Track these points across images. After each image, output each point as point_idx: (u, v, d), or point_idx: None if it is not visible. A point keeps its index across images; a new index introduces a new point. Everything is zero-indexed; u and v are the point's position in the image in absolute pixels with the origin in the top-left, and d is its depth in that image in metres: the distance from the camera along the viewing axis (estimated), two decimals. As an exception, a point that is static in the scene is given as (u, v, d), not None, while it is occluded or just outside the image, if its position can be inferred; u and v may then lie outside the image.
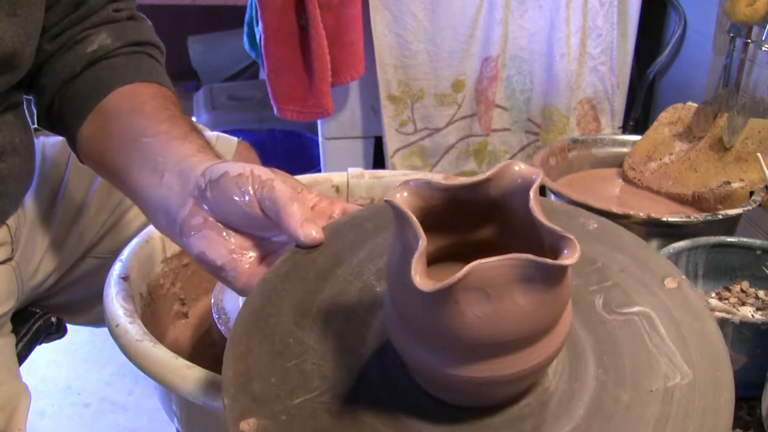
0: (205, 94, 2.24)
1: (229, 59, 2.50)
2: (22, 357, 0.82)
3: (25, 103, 0.78)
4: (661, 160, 1.24)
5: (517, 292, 0.38)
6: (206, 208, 0.57)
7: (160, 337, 0.78)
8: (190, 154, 0.62)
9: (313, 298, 0.49)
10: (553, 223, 0.40)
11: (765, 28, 1.23)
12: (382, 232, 0.54)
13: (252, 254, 0.57)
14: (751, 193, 1.08)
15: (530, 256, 0.37)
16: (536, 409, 0.44)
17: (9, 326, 0.81)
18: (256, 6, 1.47)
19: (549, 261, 0.37)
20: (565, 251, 0.38)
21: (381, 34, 1.53)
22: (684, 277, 0.51)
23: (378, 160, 1.72)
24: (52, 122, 0.76)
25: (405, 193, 0.42)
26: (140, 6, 0.82)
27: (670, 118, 1.27)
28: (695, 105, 1.24)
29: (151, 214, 0.63)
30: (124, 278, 0.73)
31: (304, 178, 0.95)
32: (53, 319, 0.87)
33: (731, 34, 1.33)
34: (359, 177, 0.95)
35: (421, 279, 0.38)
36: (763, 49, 1.23)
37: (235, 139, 1.06)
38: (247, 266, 0.56)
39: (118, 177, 0.67)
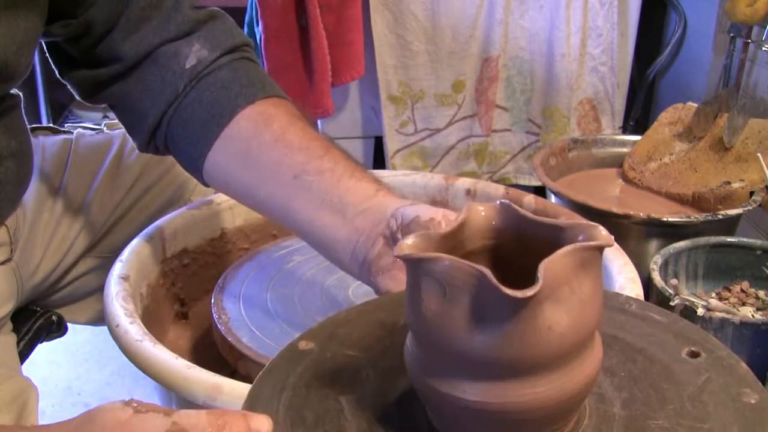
0: (205, 95, 2.24)
1: (229, 59, 2.49)
2: (23, 356, 0.82)
3: (22, 103, 0.77)
4: (661, 160, 1.24)
5: (583, 282, 0.37)
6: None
7: (160, 337, 0.78)
8: (372, 194, 0.65)
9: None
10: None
11: (765, 28, 1.22)
12: None
13: None
14: (751, 193, 1.08)
15: (583, 243, 0.37)
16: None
17: (10, 325, 0.81)
18: (256, 6, 1.47)
19: (599, 243, 0.36)
20: (594, 234, 0.37)
21: (381, 35, 1.53)
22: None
23: (378, 161, 1.72)
24: (158, 145, 0.75)
25: (411, 243, 0.39)
26: None
27: (670, 118, 1.27)
28: (695, 105, 1.24)
29: (331, 251, 0.66)
30: (124, 278, 0.73)
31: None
32: (54, 318, 0.87)
33: (731, 34, 1.33)
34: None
35: (513, 291, 0.35)
36: (763, 49, 1.23)
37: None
38: None
39: (273, 212, 0.70)
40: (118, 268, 0.74)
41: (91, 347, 1.69)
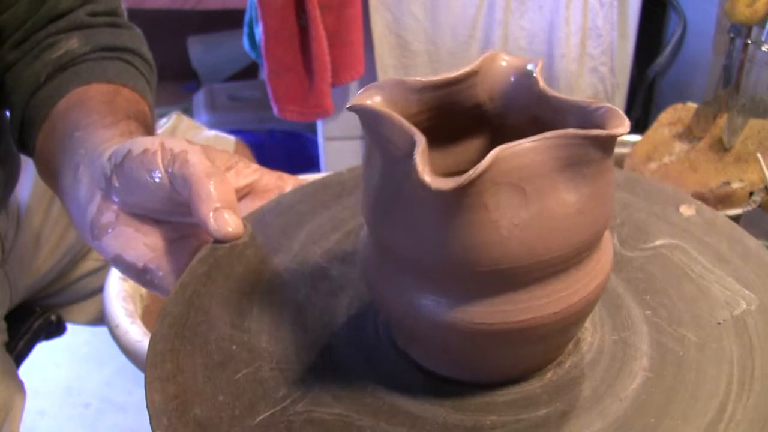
0: (205, 94, 2.24)
1: (229, 59, 2.49)
2: (22, 356, 0.82)
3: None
4: (661, 160, 1.24)
5: (562, 186, 0.29)
6: (115, 199, 0.48)
7: (160, 337, 0.78)
8: (106, 140, 0.50)
9: (249, 294, 0.40)
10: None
11: (765, 28, 1.22)
12: (322, 212, 0.46)
13: (180, 248, 0.47)
14: (751, 194, 1.08)
15: (573, 130, 0.28)
16: (587, 369, 0.35)
17: (3, 324, 0.80)
18: (256, 6, 1.47)
19: (599, 131, 0.28)
20: (611, 121, 0.29)
21: (381, 35, 1.53)
22: (700, 202, 0.44)
23: (378, 161, 1.72)
24: (24, 143, 0.65)
25: (377, 98, 0.32)
26: (142, 10, 0.80)
27: (670, 118, 1.27)
28: (695, 105, 1.24)
29: (72, 217, 0.53)
30: (124, 278, 0.73)
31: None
32: (53, 318, 0.87)
33: (731, 35, 1.33)
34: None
35: (432, 177, 0.28)
36: (763, 49, 1.23)
37: (232, 138, 1.07)
38: (174, 263, 0.46)
39: (53, 184, 0.57)
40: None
41: (91, 347, 1.70)
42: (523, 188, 0.28)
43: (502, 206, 0.28)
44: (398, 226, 0.31)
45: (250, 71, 2.54)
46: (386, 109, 0.31)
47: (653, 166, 1.24)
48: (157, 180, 0.45)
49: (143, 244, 0.47)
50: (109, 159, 0.48)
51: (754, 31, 1.28)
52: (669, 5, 1.72)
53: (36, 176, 0.86)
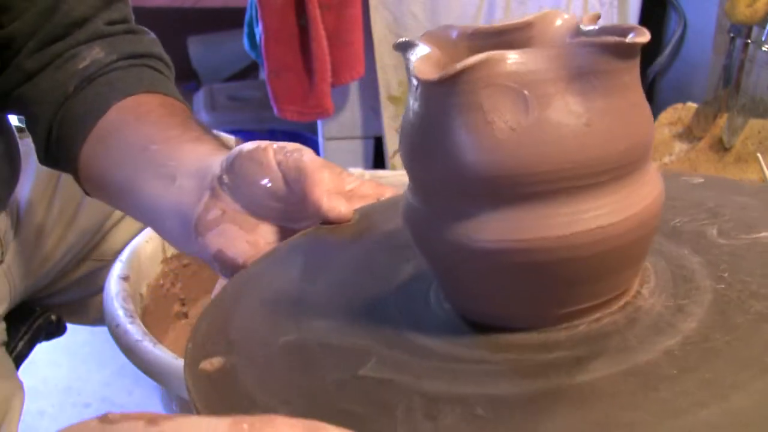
0: (205, 94, 2.24)
1: (229, 59, 2.49)
2: (22, 356, 0.82)
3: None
4: (661, 160, 1.24)
5: (569, 97, 0.28)
6: (225, 197, 0.51)
7: (160, 337, 0.78)
8: (208, 153, 0.55)
9: (329, 257, 0.42)
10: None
11: (765, 28, 1.22)
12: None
13: None
14: (751, 194, 1.08)
15: (579, 39, 0.28)
16: (625, 326, 0.32)
17: (3, 325, 0.80)
18: (256, 6, 1.47)
19: (607, 38, 0.27)
20: (632, 33, 0.28)
21: (381, 35, 1.53)
22: None
23: (378, 161, 1.72)
24: (52, 155, 0.66)
25: (426, 44, 0.32)
26: (142, 8, 0.80)
27: (670, 118, 1.27)
28: (695, 105, 1.24)
29: (163, 225, 0.56)
30: (124, 278, 0.73)
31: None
32: (53, 318, 0.87)
33: (731, 34, 1.33)
34: (359, 177, 0.95)
35: (422, 70, 0.29)
36: (763, 49, 1.23)
37: (232, 138, 1.07)
38: None
39: (122, 195, 0.59)
40: (118, 268, 0.74)
41: (91, 347, 1.69)
42: (523, 93, 0.28)
43: (498, 108, 0.28)
44: (418, 149, 0.31)
45: (250, 71, 2.54)
46: (420, 41, 0.31)
47: (653, 166, 1.24)
48: (268, 173, 0.48)
49: (246, 241, 0.49)
50: (221, 164, 0.51)
51: (754, 31, 1.28)
52: (669, 5, 1.72)
53: (36, 176, 0.86)
